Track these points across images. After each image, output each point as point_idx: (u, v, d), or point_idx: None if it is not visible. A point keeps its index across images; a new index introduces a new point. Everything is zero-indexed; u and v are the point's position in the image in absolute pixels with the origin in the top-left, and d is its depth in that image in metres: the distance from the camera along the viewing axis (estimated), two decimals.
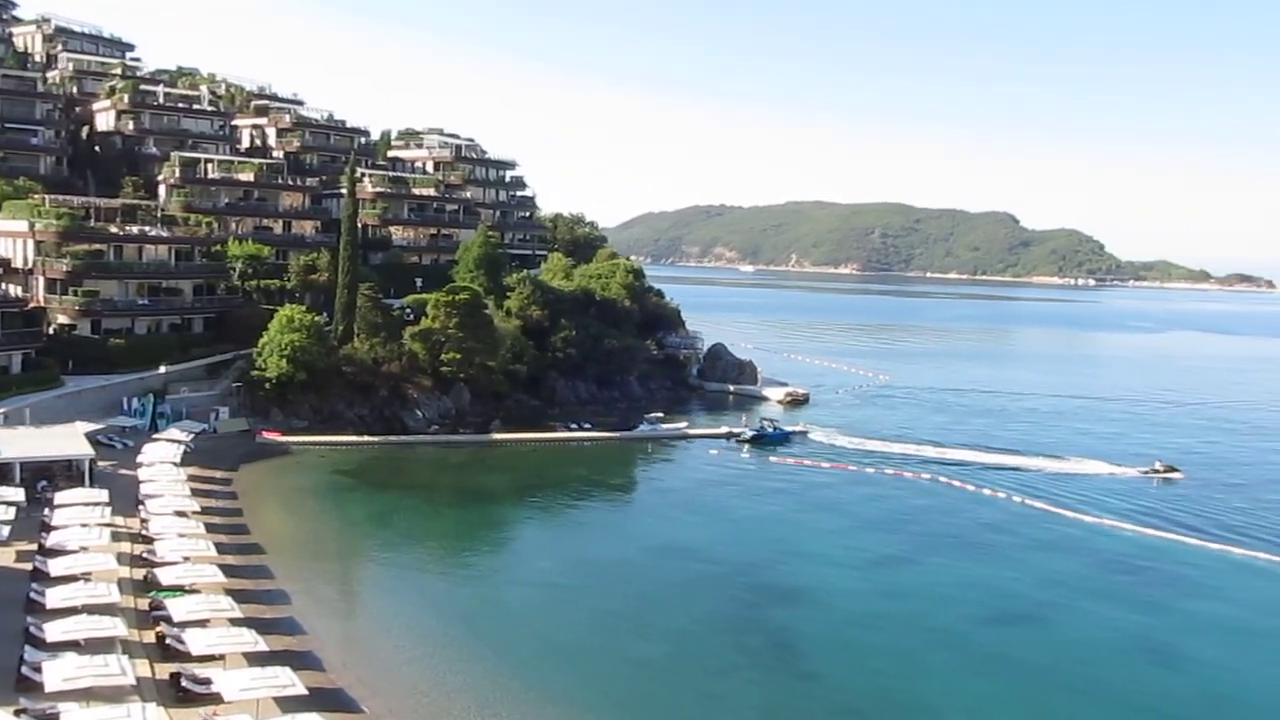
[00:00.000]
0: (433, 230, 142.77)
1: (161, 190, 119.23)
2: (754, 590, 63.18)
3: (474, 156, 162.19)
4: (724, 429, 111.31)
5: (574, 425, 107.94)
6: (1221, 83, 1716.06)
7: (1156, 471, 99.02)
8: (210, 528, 63.92)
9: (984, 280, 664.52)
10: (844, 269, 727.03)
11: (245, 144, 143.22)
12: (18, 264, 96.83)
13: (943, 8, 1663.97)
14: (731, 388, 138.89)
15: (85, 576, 50.91)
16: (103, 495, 63.80)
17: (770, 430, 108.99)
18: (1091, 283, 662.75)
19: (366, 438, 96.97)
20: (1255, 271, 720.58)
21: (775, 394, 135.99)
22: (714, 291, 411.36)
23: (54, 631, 43.47)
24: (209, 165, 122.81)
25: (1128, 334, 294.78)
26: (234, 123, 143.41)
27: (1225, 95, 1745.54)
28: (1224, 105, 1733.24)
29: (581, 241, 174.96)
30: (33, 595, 49.52)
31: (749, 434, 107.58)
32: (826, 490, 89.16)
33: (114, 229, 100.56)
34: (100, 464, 73.11)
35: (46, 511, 60.28)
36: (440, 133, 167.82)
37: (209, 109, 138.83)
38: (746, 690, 48.96)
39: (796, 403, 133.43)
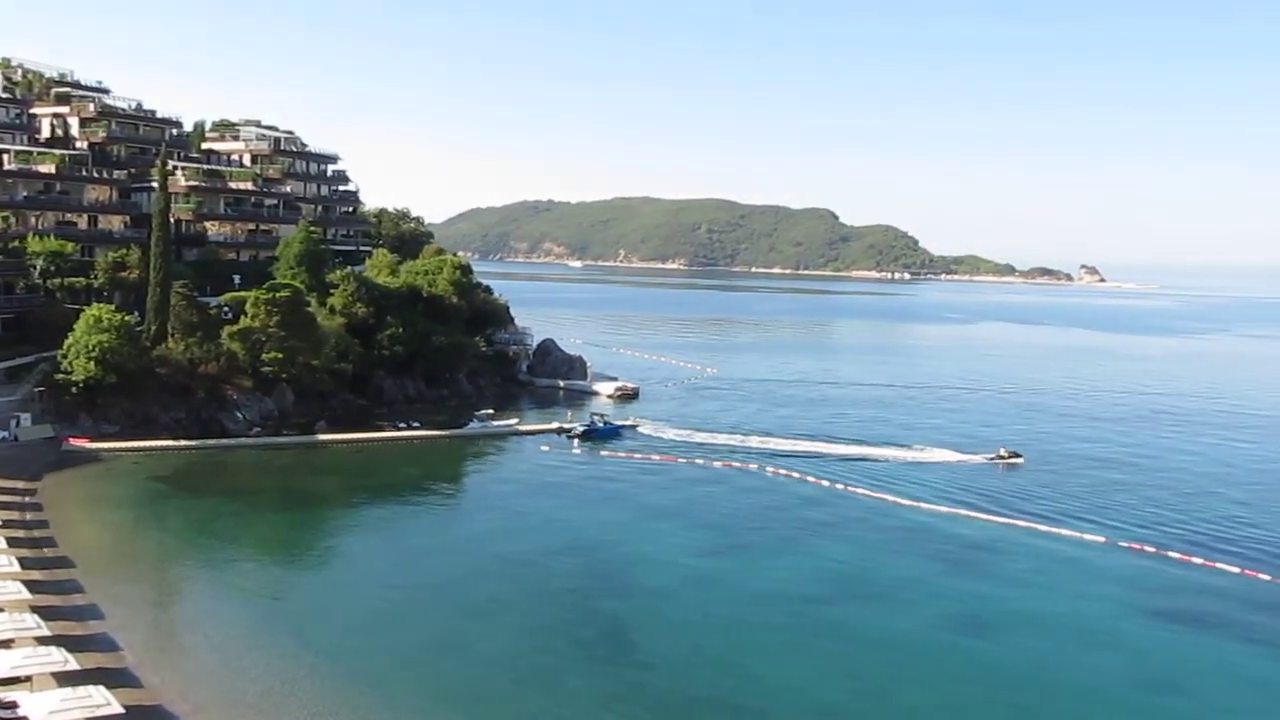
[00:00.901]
0: (251, 225, 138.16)
1: None
2: (588, 583, 63.48)
3: (294, 150, 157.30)
4: (554, 424, 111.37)
5: (402, 424, 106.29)
6: (1020, 90, 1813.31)
7: (1001, 458, 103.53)
8: (12, 542, 60.47)
9: (806, 275, 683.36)
10: (671, 264, 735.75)
11: (45, 134, 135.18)
12: None
13: (763, 19, 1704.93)
14: (562, 383, 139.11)
15: None
16: None
17: (600, 425, 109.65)
18: (907, 276, 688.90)
19: (183, 442, 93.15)
20: (1055, 265, 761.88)
21: (605, 388, 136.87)
22: (543, 287, 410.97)
23: None
24: (4, 156, 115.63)
25: (942, 325, 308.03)
26: (32, 111, 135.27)
27: (1022, 103, 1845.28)
28: (1023, 112, 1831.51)
29: (407, 237, 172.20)
30: None
31: (579, 429, 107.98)
32: (657, 483, 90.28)
33: None
34: None
35: None
36: (258, 125, 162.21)
37: (3, 96, 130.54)
38: (582, 682, 49.17)
39: (626, 397, 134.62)
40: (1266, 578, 68.73)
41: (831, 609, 61.05)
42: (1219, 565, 71.10)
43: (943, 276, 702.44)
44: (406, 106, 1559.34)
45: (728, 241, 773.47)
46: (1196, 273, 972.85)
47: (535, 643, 53.95)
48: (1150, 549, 74.38)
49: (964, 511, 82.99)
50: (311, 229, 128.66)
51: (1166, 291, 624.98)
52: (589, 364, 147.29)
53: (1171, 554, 73.44)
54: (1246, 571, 69.87)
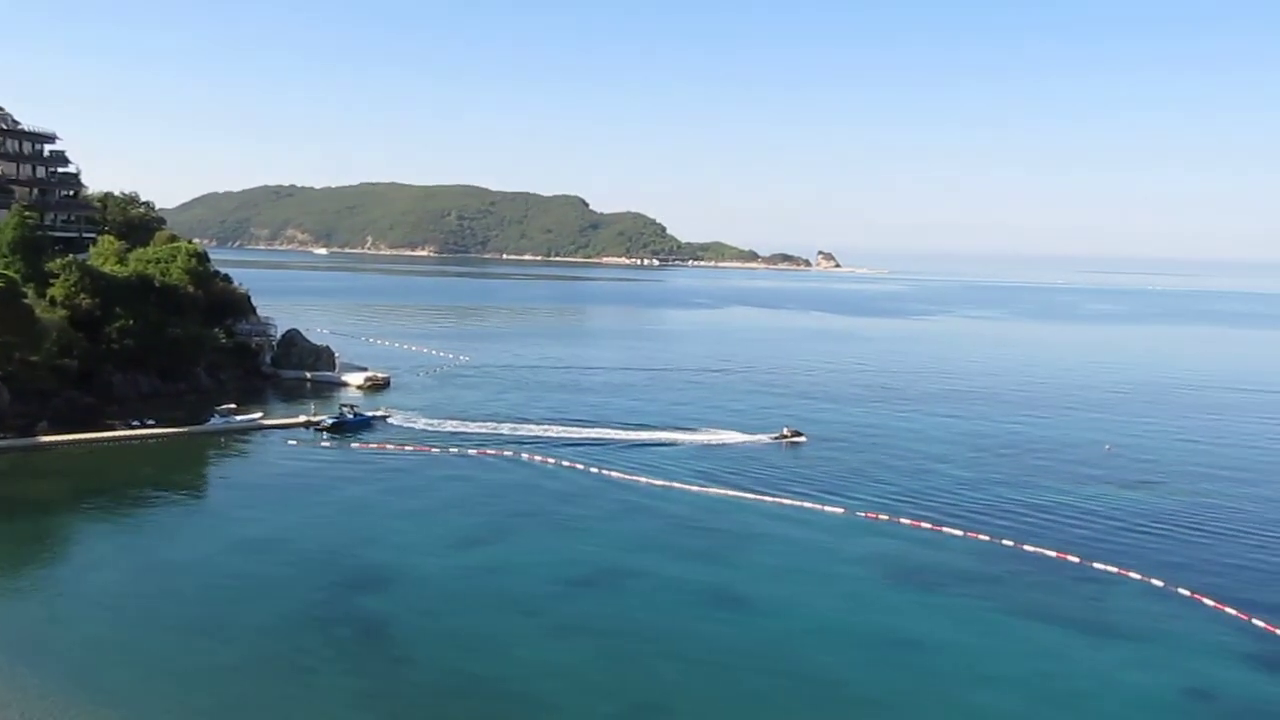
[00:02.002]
0: None
1: None
2: (341, 581, 61.83)
3: (3, 127, 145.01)
4: (302, 418, 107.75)
5: (136, 422, 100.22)
6: (753, 83, 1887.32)
7: (784, 437, 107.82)
8: None
9: (558, 261, 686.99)
10: (421, 251, 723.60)
11: None
12: None
13: (511, 6, 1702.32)
14: (308, 375, 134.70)
15: None
16: None
17: (350, 417, 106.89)
18: (656, 263, 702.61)
19: None
20: (795, 252, 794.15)
21: (355, 379, 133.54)
22: (287, 275, 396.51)
23: None
24: None
25: (692, 310, 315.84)
26: None
27: (753, 89, 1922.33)
28: (754, 98, 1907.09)
29: (137, 223, 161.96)
30: None
31: (328, 422, 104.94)
32: (411, 474, 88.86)
33: None
34: None
35: None
36: None
37: None
38: (336, 681, 47.99)
39: (377, 387, 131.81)
40: (985, 538, 74.49)
41: (591, 593, 61.85)
42: (945, 529, 76.47)
43: (690, 263, 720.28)
44: (130, 83, 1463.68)
45: (478, 228, 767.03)
46: (923, 258, 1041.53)
47: (287, 644, 52.16)
48: (885, 518, 79.17)
49: (715, 490, 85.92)
50: (27, 214, 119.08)
51: (896, 276, 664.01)
52: (337, 354, 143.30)
53: (903, 521, 78.43)
54: (969, 534, 75.49)
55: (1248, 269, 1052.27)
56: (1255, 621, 59.36)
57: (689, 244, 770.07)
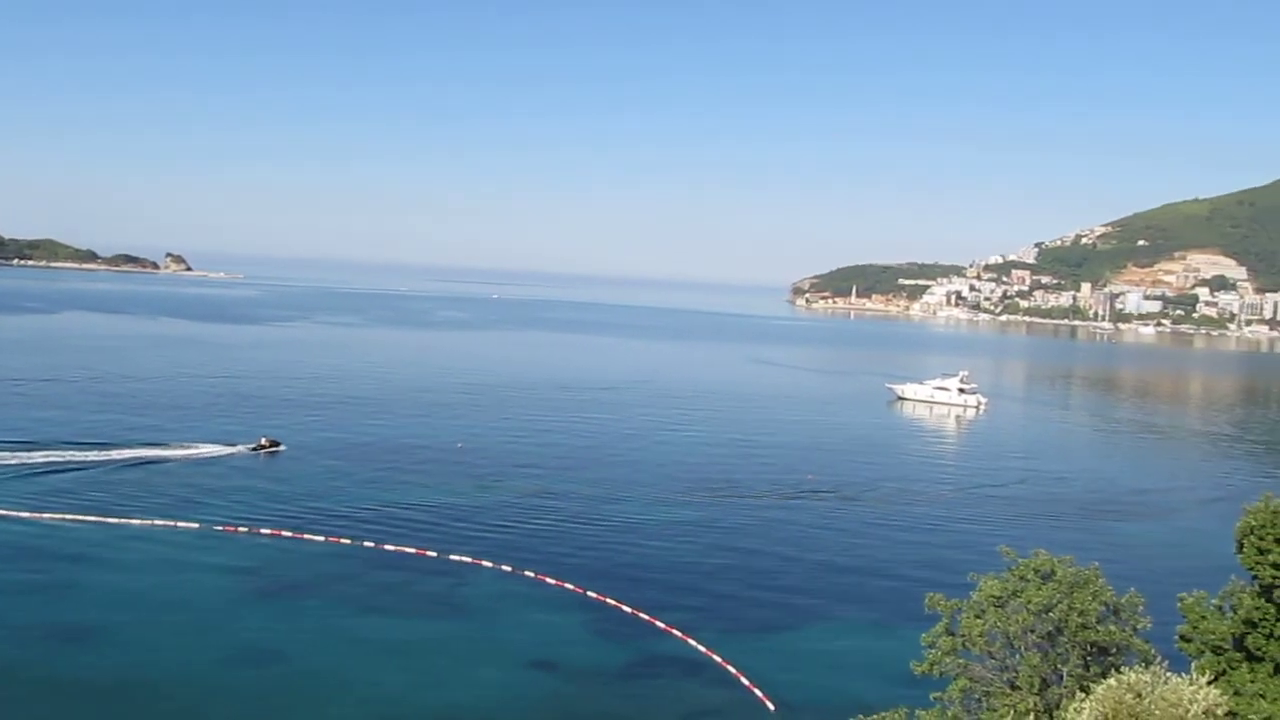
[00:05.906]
0: None
1: None
2: None
3: None
4: None
5: None
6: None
7: (263, 447, 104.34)
8: None
9: None
10: None
11: None
12: None
13: None
14: None
15: None
16: None
17: None
18: None
19: None
20: (141, 253, 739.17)
21: None
22: None
23: None
24: None
25: (18, 315, 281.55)
26: None
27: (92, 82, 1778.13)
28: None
29: None
30: None
31: None
32: None
33: None
34: None
35: None
36: None
37: None
38: None
39: None
40: (347, 541, 75.54)
41: None
42: (307, 536, 76.18)
43: (15, 262, 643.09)
44: None
45: None
46: (278, 264, 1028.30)
47: None
48: (244, 529, 77.00)
49: (50, 516, 77.91)
50: None
51: (252, 281, 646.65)
52: None
53: (264, 531, 76.89)
54: (330, 539, 75.94)
55: (576, 282, 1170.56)
56: (589, 594, 66.30)
57: (14, 241, 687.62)
